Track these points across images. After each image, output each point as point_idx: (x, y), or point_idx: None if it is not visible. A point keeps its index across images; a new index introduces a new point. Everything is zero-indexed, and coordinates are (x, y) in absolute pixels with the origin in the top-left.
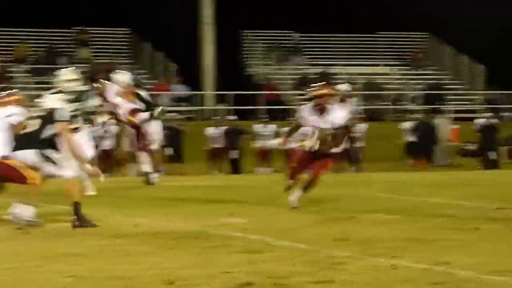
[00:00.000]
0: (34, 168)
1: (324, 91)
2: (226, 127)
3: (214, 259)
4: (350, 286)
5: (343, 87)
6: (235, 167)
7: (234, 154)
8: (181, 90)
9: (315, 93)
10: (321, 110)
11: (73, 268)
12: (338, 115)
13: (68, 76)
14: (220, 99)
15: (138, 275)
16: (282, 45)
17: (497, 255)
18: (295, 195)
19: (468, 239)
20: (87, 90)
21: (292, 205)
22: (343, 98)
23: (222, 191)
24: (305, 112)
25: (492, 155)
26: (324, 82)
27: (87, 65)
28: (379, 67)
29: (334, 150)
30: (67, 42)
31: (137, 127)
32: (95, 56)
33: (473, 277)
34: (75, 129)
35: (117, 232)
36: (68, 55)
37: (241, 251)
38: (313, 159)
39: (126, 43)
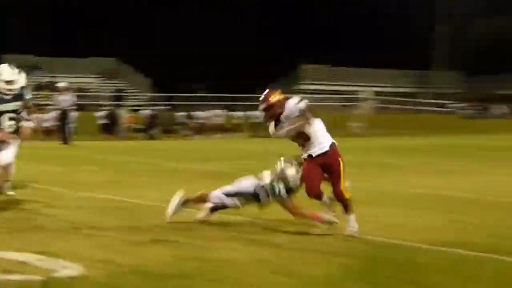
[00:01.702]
0: None
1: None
2: None
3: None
4: (67, 209)
5: (62, 84)
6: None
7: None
8: None
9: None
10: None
11: None
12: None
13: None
14: None
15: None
16: (23, 65)
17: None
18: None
19: (150, 180)
20: None
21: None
22: (63, 92)
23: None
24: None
25: (154, 131)
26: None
27: None
28: (87, 78)
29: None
30: None
31: None
32: None
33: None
34: None
35: None
36: None
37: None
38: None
39: None
